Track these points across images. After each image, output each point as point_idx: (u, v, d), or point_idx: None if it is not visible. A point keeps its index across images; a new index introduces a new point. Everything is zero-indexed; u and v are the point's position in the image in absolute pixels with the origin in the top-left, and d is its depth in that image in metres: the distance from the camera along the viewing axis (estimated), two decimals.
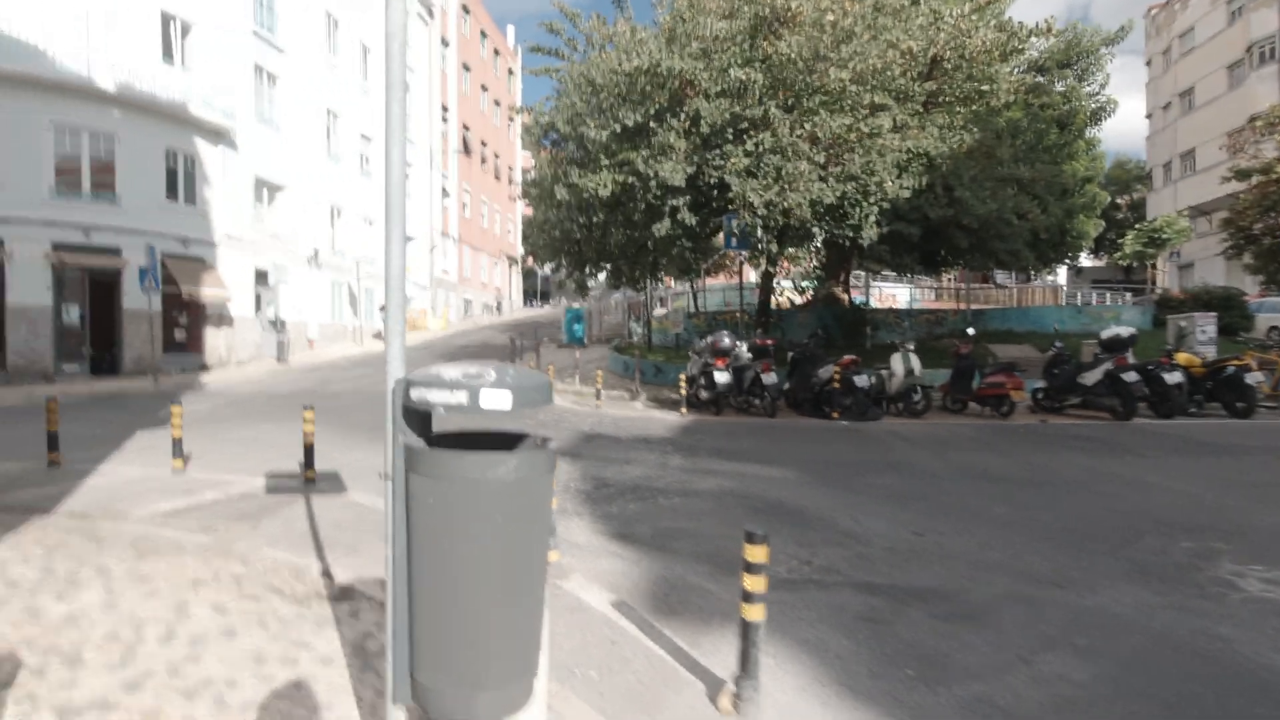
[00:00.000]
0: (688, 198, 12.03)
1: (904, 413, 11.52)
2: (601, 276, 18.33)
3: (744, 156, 11.14)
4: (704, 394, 11.54)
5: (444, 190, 37.16)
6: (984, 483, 7.01)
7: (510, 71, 50.10)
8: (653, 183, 12.05)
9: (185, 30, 19.43)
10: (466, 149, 40.42)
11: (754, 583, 2.70)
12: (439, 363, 2.19)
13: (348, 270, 26.60)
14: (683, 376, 11.58)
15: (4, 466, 7.15)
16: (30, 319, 16.81)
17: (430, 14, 35.12)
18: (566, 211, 13.65)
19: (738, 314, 19.25)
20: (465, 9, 40.47)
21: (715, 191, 12.29)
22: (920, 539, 5.10)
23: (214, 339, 20.03)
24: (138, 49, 18.04)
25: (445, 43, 37.65)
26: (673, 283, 29.35)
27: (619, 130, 11.86)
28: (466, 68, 40.76)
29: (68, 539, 4.51)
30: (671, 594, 4.11)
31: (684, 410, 11.30)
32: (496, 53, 46.64)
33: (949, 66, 12.97)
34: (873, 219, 11.38)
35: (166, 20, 18.91)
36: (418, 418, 2.15)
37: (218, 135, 20.07)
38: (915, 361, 11.39)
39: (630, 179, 12.29)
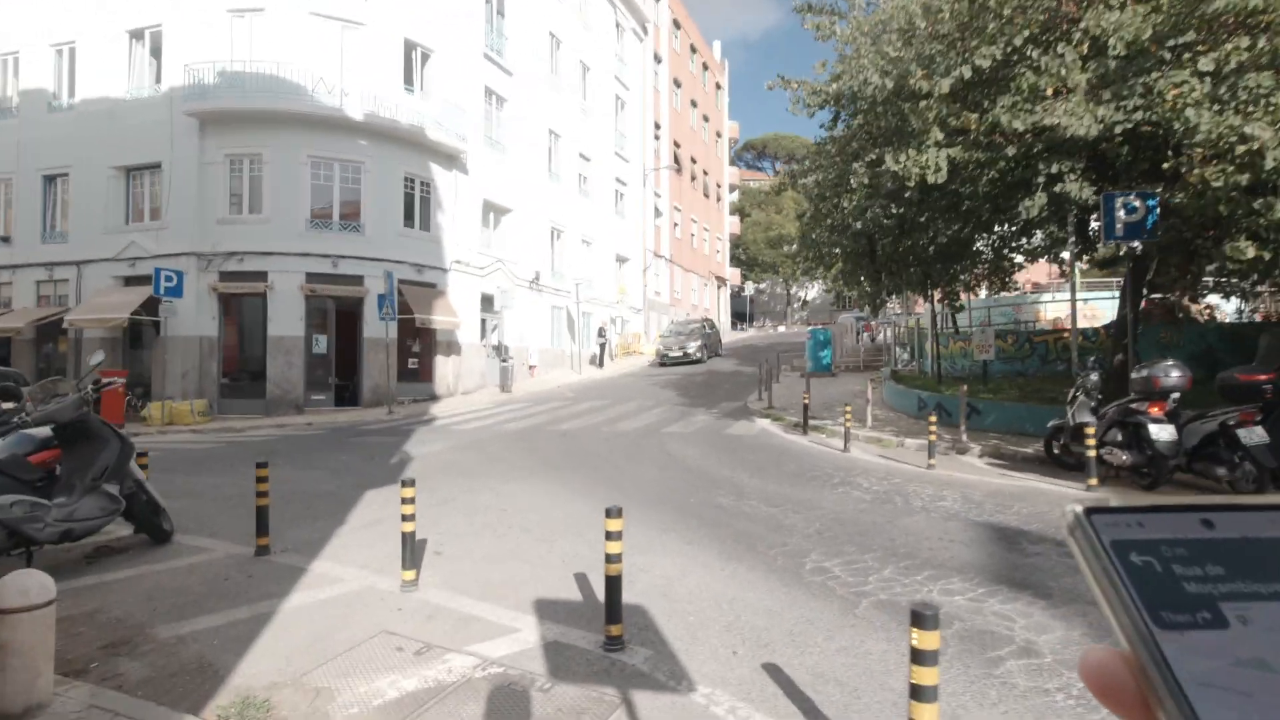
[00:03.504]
0: (1080, 164, 8.02)
1: None
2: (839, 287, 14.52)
3: (1196, 80, 6.90)
4: (1124, 456, 7.42)
5: (656, 209, 35.59)
6: None
7: (718, 86, 48.13)
8: (1011, 149, 8.26)
9: (425, 58, 19.21)
10: (678, 166, 38.73)
11: None
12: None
13: (566, 294, 25.43)
14: (1088, 428, 7.56)
15: (209, 553, 5.35)
16: (286, 350, 16.94)
17: (644, 30, 33.97)
18: (866, 201, 10.16)
19: (1065, 334, 14.35)
20: (676, 24, 39.06)
21: (1126, 148, 8.16)
22: None
23: (443, 367, 19.35)
24: (383, 78, 17.89)
25: (658, 59, 36.37)
26: (894, 300, 22.62)
27: (962, 78, 8.27)
28: (677, 84, 39.24)
29: None
30: None
31: (1092, 481, 7.29)
32: (705, 67, 44.82)
33: None
34: None
35: (409, 48, 18.74)
36: None
37: (450, 160, 19.57)
38: None
39: (969, 154, 8.56)
